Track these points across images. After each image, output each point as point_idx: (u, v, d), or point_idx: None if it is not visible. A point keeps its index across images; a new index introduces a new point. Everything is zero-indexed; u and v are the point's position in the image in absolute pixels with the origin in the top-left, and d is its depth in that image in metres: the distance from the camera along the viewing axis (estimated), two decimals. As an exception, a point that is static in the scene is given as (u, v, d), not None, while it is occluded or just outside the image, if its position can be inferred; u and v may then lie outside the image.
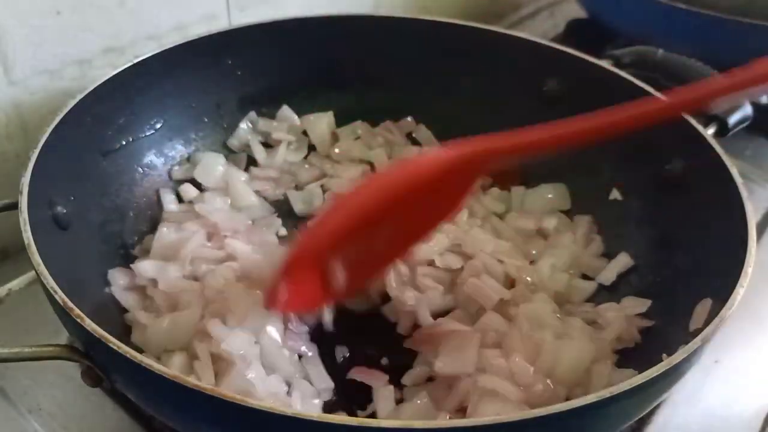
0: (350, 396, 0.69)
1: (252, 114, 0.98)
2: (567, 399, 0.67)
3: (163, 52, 0.86)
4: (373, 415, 0.66)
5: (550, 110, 0.94)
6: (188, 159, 0.93)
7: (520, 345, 0.70)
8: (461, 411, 0.64)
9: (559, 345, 0.69)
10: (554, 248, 0.85)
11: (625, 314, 0.74)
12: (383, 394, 0.67)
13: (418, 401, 0.65)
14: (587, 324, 0.75)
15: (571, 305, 0.79)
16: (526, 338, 0.71)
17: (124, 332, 0.71)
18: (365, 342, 0.74)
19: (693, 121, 0.78)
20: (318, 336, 0.72)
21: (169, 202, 0.87)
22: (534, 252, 0.85)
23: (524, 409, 0.63)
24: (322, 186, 0.94)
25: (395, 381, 0.69)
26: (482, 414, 0.62)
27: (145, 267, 0.74)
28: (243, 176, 0.92)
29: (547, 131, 0.61)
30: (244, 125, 0.97)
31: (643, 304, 0.75)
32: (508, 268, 0.81)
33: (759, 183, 1.08)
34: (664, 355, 0.54)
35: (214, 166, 0.91)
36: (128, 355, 0.49)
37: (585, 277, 0.83)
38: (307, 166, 0.97)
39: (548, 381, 0.66)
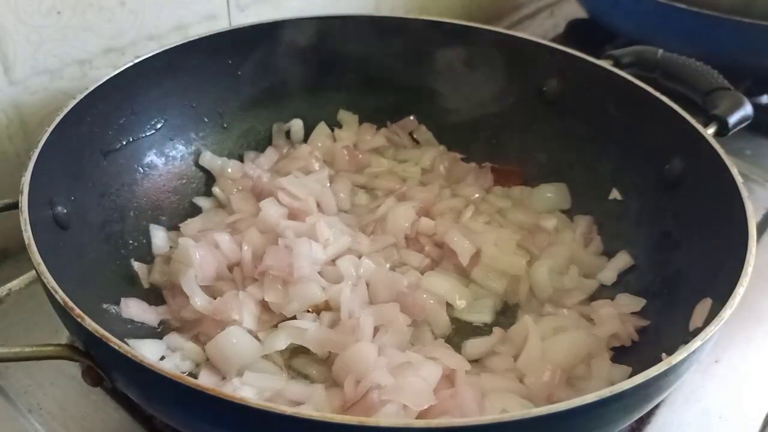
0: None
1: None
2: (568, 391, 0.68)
3: (164, 52, 0.86)
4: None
5: (550, 110, 0.95)
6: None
7: (519, 338, 0.72)
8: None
9: (555, 334, 0.71)
10: (554, 247, 0.85)
11: (619, 312, 0.75)
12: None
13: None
14: (583, 319, 0.76)
15: (569, 300, 0.80)
16: (522, 329, 0.72)
17: (125, 332, 0.71)
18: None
19: (693, 121, 0.78)
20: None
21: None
22: (536, 250, 0.86)
23: (527, 405, 0.65)
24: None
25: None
26: (490, 410, 0.63)
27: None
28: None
29: None
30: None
31: (637, 303, 0.76)
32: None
33: (759, 183, 1.08)
34: (664, 354, 0.54)
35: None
36: (129, 355, 0.49)
37: (586, 276, 0.84)
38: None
39: (547, 372, 0.68)
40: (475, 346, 0.75)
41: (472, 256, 0.81)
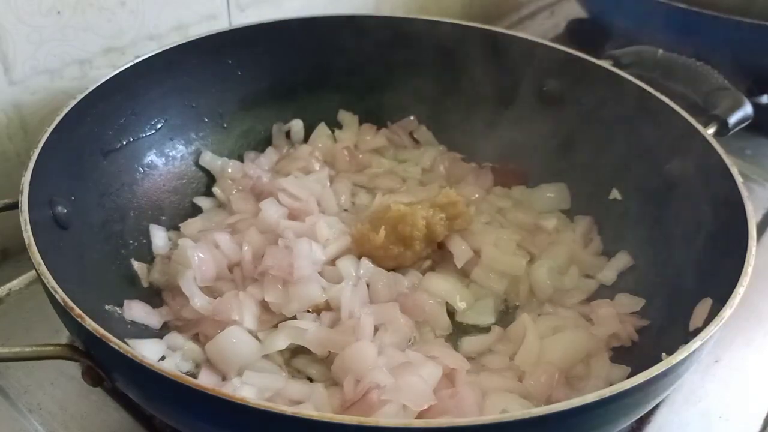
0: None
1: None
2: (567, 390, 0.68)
3: (164, 52, 0.86)
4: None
5: (550, 110, 0.95)
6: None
7: (518, 336, 0.72)
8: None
9: (554, 334, 0.72)
10: (554, 247, 0.85)
11: (619, 312, 0.75)
12: None
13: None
14: (582, 319, 0.76)
15: (568, 300, 0.80)
16: (521, 328, 0.73)
17: (125, 332, 0.71)
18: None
19: (693, 121, 0.78)
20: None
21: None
22: (536, 250, 0.86)
23: (526, 403, 0.65)
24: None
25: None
26: (490, 410, 0.63)
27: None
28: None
29: None
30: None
31: (637, 303, 0.76)
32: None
33: (759, 183, 1.08)
34: (664, 354, 0.54)
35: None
36: (129, 355, 0.49)
37: (586, 276, 0.84)
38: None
39: (546, 371, 0.68)
40: (472, 343, 0.75)
41: (472, 256, 0.81)
